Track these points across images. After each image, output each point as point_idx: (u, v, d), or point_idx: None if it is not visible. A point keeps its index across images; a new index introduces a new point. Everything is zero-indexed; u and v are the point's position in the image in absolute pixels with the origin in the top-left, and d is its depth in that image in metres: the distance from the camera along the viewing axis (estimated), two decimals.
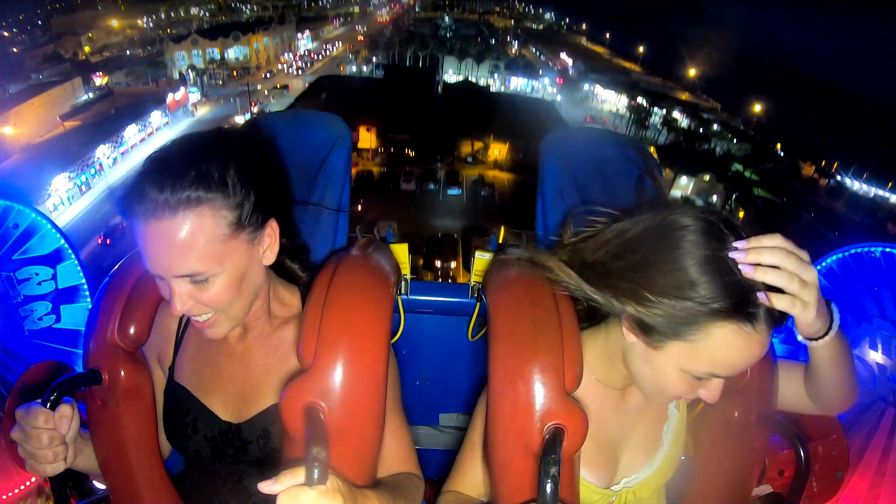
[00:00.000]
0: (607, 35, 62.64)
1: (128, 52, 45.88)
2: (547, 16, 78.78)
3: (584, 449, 0.76)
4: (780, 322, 0.71)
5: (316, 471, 0.59)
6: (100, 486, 1.20)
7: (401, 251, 1.16)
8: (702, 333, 0.70)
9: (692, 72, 44.33)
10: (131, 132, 30.29)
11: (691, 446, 0.98)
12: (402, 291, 1.23)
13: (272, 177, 0.84)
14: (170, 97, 35.00)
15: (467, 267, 19.86)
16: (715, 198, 27.34)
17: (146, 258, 0.73)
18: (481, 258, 1.17)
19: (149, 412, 0.95)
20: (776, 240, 0.68)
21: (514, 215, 21.10)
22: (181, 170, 0.70)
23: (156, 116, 33.19)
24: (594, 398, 0.87)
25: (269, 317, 0.92)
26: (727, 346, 0.69)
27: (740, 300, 0.67)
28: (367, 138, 31.18)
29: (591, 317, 0.90)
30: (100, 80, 37.36)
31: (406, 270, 1.19)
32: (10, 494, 1.20)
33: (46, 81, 31.26)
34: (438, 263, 19.87)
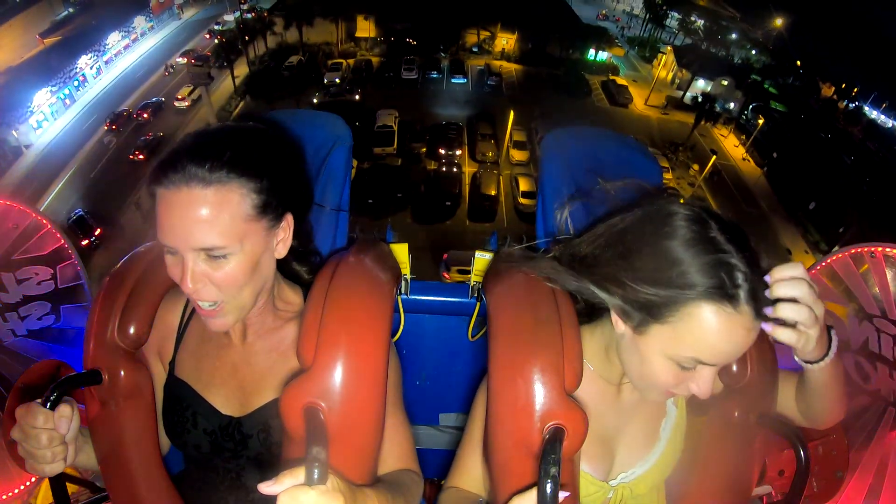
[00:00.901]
0: None
1: None
2: None
3: None
4: (762, 306, 0.70)
5: (316, 471, 0.59)
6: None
7: (401, 251, 1.16)
8: (681, 314, 0.70)
9: None
10: (114, 39, 28.36)
11: (689, 446, 0.98)
12: (402, 291, 1.23)
13: (295, 175, 0.88)
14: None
15: (473, 155, 19.67)
16: (732, 104, 26.37)
17: (166, 229, 0.74)
18: (481, 258, 1.17)
19: (148, 412, 0.95)
20: (798, 270, 0.70)
21: (522, 104, 20.53)
22: (219, 148, 0.75)
23: (139, 21, 30.97)
24: (591, 391, 0.88)
25: (272, 313, 0.93)
26: (707, 327, 0.69)
27: (720, 280, 0.67)
28: (365, 27, 29.57)
29: (590, 313, 0.91)
30: None
31: (406, 270, 1.19)
32: (10, 494, 1.20)
33: (23, 2, 28.41)
34: (442, 151, 19.35)
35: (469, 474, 0.92)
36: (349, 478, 0.69)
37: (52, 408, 0.79)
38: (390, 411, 0.88)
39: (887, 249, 1.15)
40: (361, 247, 0.94)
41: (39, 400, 0.79)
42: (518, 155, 19.44)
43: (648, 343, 0.75)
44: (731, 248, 0.68)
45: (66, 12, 30.58)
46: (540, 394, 0.73)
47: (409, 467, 0.92)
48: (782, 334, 0.70)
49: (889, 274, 1.15)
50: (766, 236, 18.29)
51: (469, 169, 19.26)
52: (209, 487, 0.97)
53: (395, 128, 20.08)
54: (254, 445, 0.92)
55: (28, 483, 1.22)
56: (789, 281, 0.69)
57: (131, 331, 0.90)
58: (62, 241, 1.26)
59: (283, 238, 0.85)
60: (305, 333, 0.76)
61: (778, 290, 0.69)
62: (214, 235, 0.74)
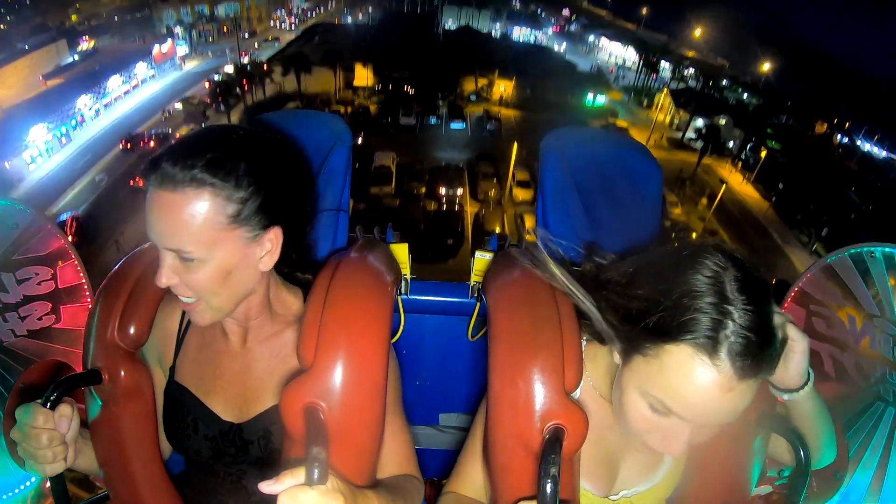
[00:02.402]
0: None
1: (116, 18, 43.40)
2: None
3: (582, 458, 0.76)
4: (759, 369, 0.65)
5: (316, 471, 0.59)
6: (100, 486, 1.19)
7: (401, 251, 1.16)
8: (658, 350, 0.67)
9: (697, 33, 42.98)
10: (115, 83, 29.02)
11: (689, 446, 0.98)
12: (402, 291, 1.23)
13: (290, 188, 0.83)
14: (156, 49, 33.23)
15: (475, 195, 19.47)
16: (731, 143, 26.83)
17: (147, 225, 0.75)
18: (481, 258, 1.17)
19: (149, 412, 0.95)
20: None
21: (523, 145, 20.38)
22: (196, 151, 0.73)
23: (141, 68, 31.65)
24: (596, 410, 0.87)
25: (271, 318, 0.92)
26: (679, 371, 0.65)
27: (703, 324, 0.63)
28: (363, 75, 29.87)
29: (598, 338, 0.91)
30: (86, 43, 34.21)
31: (406, 270, 1.19)
32: (10, 494, 1.20)
33: (31, 47, 29.46)
34: (443, 190, 19.24)
35: (471, 482, 0.91)
36: (349, 478, 0.69)
37: (52, 408, 0.79)
38: (390, 416, 0.88)
39: (887, 249, 1.15)
40: (361, 247, 0.94)
41: (39, 400, 0.79)
42: (521, 194, 19.21)
43: (629, 375, 0.73)
44: (736, 296, 0.64)
45: (71, 59, 31.38)
46: (540, 394, 0.73)
47: (410, 471, 0.92)
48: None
49: (889, 274, 1.15)
50: (780, 265, 18.44)
51: (471, 209, 19.16)
52: (211, 490, 0.97)
53: (393, 168, 19.95)
54: (254, 451, 0.91)
55: (28, 483, 1.22)
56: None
57: (131, 331, 0.90)
58: (62, 241, 1.25)
59: (269, 251, 0.81)
60: (305, 333, 0.76)
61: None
62: (183, 239, 0.73)
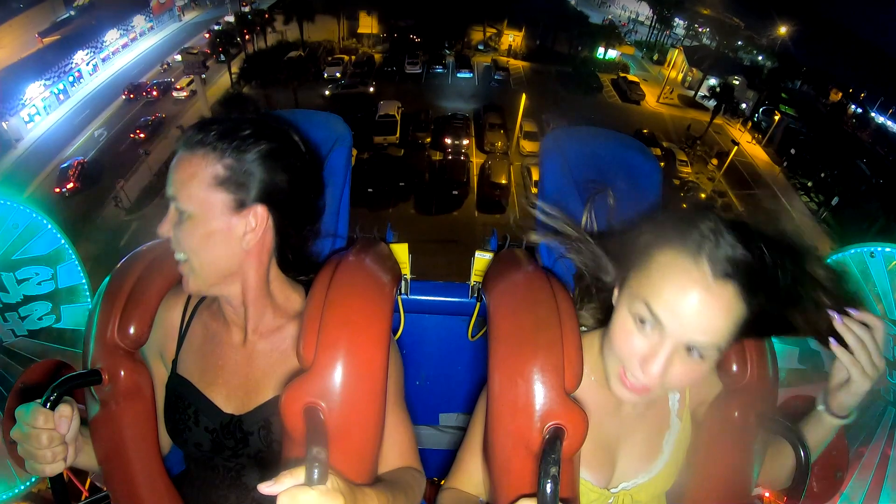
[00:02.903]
0: None
1: None
2: None
3: (582, 448, 0.76)
4: (736, 275, 0.68)
5: (316, 471, 0.59)
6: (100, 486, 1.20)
7: (401, 251, 1.16)
8: (646, 258, 0.73)
9: None
10: (112, 37, 28.25)
11: (689, 446, 0.98)
12: (402, 291, 1.23)
13: (285, 174, 0.86)
14: (154, 0, 32.12)
15: (481, 146, 19.04)
16: (744, 105, 26.54)
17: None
18: (481, 258, 1.17)
19: (148, 412, 0.95)
20: (881, 322, 0.74)
21: (531, 97, 20.03)
22: (210, 124, 0.85)
23: (139, 20, 30.75)
24: (593, 399, 0.87)
25: (272, 312, 0.94)
26: (662, 271, 0.71)
27: (689, 235, 0.70)
28: (367, 23, 29.26)
29: (599, 320, 0.91)
30: None
31: (406, 270, 1.19)
32: (10, 494, 1.20)
33: (26, 4, 28.28)
34: (449, 141, 18.82)
35: (470, 478, 0.92)
36: (349, 478, 0.69)
37: (52, 408, 0.79)
38: (392, 409, 0.88)
39: (887, 249, 1.15)
40: (361, 247, 0.94)
41: (39, 400, 0.79)
42: (529, 146, 18.78)
43: (621, 298, 0.78)
44: (724, 226, 0.69)
45: (66, 14, 30.44)
46: (540, 394, 0.73)
47: (411, 465, 0.92)
48: (843, 356, 0.75)
49: (889, 274, 1.15)
50: (787, 230, 18.38)
51: (477, 160, 18.78)
52: (210, 486, 0.97)
53: (398, 117, 19.60)
54: (254, 443, 0.92)
55: (28, 483, 1.22)
56: (873, 321, 0.73)
57: (131, 331, 0.90)
58: (62, 241, 1.26)
59: (252, 229, 0.84)
60: (305, 334, 0.76)
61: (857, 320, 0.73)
62: (176, 189, 0.82)
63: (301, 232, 0.94)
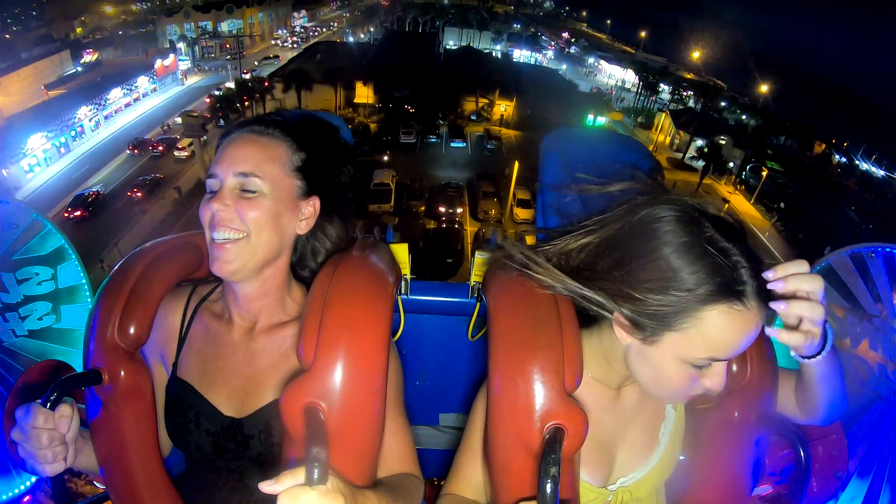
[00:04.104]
0: (608, 22, 61.82)
1: (120, 32, 43.94)
2: (546, 4, 78.71)
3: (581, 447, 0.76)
4: (769, 295, 0.70)
5: (316, 471, 0.59)
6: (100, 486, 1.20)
7: (401, 251, 1.16)
8: (693, 320, 0.70)
9: (695, 55, 43.59)
10: (116, 95, 29.04)
11: (689, 446, 0.98)
12: (402, 291, 1.23)
13: (330, 165, 0.96)
14: (158, 63, 33.36)
15: (475, 215, 19.28)
16: (732, 164, 27.11)
17: (217, 161, 0.87)
18: (481, 258, 1.17)
19: (149, 412, 0.95)
20: (804, 266, 0.70)
21: (524, 165, 20.08)
22: (272, 118, 0.93)
23: (142, 81, 31.65)
24: (590, 397, 0.87)
25: (281, 309, 0.95)
26: (721, 327, 0.69)
27: (725, 280, 0.68)
28: (363, 93, 29.80)
29: (586, 318, 0.90)
30: (90, 56, 34.50)
31: (406, 270, 1.19)
32: (10, 494, 1.20)
33: (35, 57, 29.88)
34: (443, 209, 19.01)
35: (469, 482, 0.91)
36: (349, 478, 0.69)
37: (52, 408, 0.79)
38: (391, 413, 0.88)
39: (887, 249, 1.15)
40: (361, 247, 0.94)
41: (39, 400, 0.79)
42: (522, 213, 18.90)
43: (662, 351, 0.75)
44: (730, 245, 0.69)
45: (73, 69, 31.52)
46: (540, 394, 0.73)
47: (410, 470, 0.92)
48: (790, 338, 0.72)
49: (889, 274, 1.15)
50: None
51: (471, 228, 18.92)
52: (212, 488, 0.97)
53: (393, 186, 19.70)
54: (255, 446, 0.92)
55: (28, 483, 1.22)
56: (801, 276, 0.70)
57: (131, 331, 0.90)
58: (62, 241, 1.26)
59: (307, 217, 0.92)
60: (305, 334, 0.76)
61: (793, 284, 0.69)
62: (255, 163, 0.86)
63: (332, 226, 0.98)
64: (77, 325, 1.28)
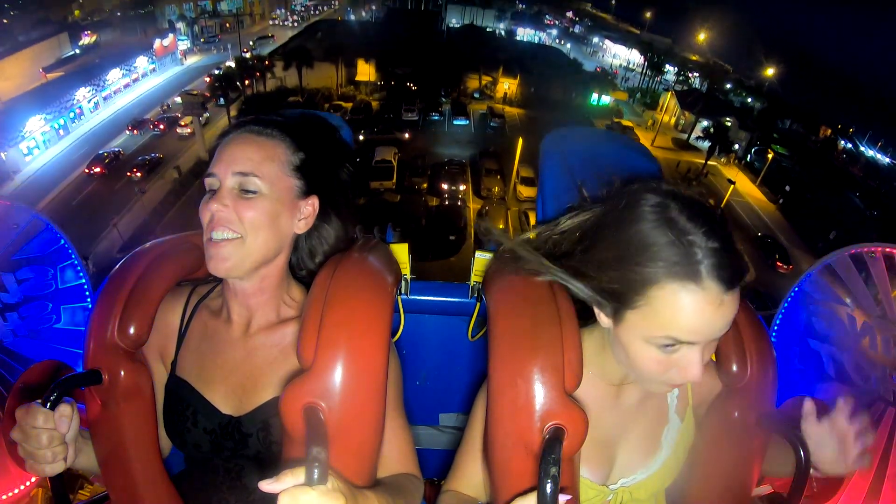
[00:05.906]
0: (612, 2, 60.75)
1: (118, 13, 42.83)
2: None
3: None
4: (733, 280, 0.70)
5: (316, 471, 0.59)
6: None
7: (401, 251, 1.16)
8: (647, 297, 0.71)
9: (701, 37, 42.94)
10: (114, 76, 28.78)
11: (692, 447, 0.98)
12: (402, 291, 1.23)
13: (329, 165, 0.97)
14: (157, 43, 32.98)
15: (478, 192, 19.23)
16: (737, 146, 26.92)
17: (216, 160, 0.87)
18: (481, 258, 1.17)
19: (148, 412, 0.95)
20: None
21: (527, 143, 19.90)
22: (273, 118, 0.93)
23: (141, 61, 31.31)
24: (591, 393, 0.87)
25: (278, 307, 0.95)
26: (673, 306, 0.69)
27: (677, 259, 0.68)
28: (365, 71, 29.78)
29: (588, 315, 0.90)
30: (88, 38, 33.58)
31: (406, 270, 1.19)
32: (10, 494, 1.20)
33: (32, 39, 29.46)
34: (445, 186, 18.85)
35: (468, 480, 0.91)
36: (349, 478, 0.69)
37: (52, 408, 0.79)
38: (390, 414, 0.88)
39: (887, 249, 1.15)
40: (361, 247, 0.94)
41: (39, 400, 0.79)
42: (526, 191, 18.78)
43: (627, 330, 0.76)
44: (690, 225, 0.69)
45: (72, 51, 31.19)
46: (540, 394, 0.73)
47: (410, 470, 0.92)
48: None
49: (889, 274, 1.15)
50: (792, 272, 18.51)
51: (474, 205, 18.81)
52: (210, 487, 0.97)
53: (395, 163, 19.55)
54: (253, 444, 0.92)
55: (28, 483, 1.22)
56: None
57: (131, 331, 0.90)
58: (62, 241, 1.25)
59: (306, 217, 0.92)
60: (305, 333, 0.76)
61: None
62: (254, 163, 0.85)
63: (330, 226, 0.98)
64: (77, 325, 1.28)
